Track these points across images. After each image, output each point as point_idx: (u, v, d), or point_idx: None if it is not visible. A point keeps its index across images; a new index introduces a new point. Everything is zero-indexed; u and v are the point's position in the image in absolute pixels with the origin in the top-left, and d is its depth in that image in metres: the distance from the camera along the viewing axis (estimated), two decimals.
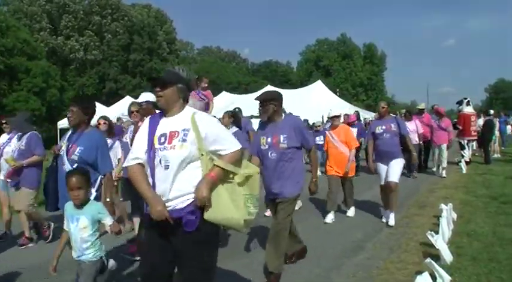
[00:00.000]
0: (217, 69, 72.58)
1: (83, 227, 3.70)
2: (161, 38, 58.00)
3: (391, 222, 7.12)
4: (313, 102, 25.86)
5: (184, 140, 2.96)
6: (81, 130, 4.38)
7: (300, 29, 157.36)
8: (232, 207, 2.97)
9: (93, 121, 4.99)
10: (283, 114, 5.12)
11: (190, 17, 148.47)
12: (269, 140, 4.89)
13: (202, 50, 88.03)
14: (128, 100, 28.78)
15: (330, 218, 7.53)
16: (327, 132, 8.42)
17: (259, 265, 5.16)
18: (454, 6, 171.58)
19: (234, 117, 8.15)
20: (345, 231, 6.82)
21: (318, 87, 31.48)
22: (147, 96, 5.74)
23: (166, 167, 2.95)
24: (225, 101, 29.93)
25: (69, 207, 3.81)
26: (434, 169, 13.32)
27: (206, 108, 7.90)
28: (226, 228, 3.25)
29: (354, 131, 12.82)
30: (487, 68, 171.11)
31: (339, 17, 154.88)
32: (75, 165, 4.15)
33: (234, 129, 7.59)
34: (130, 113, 6.00)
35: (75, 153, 4.23)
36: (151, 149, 3.02)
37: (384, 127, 7.29)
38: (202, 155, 2.97)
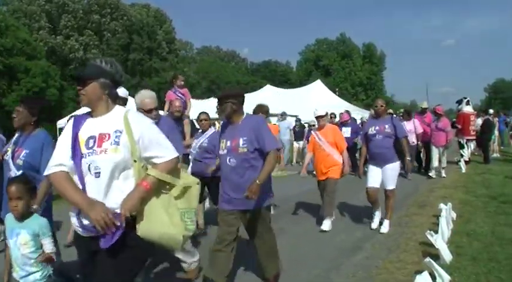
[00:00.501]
0: (217, 68, 72.64)
1: (23, 243, 3.28)
2: (160, 38, 58.00)
3: (384, 229, 6.70)
4: (312, 102, 25.80)
5: (116, 143, 2.59)
6: (27, 132, 4.13)
7: (299, 29, 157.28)
8: (168, 222, 2.63)
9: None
10: (245, 114, 4.42)
11: (189, 16, 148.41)
12: (228, 143, 4.29)
13: (202, 50, 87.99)
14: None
15: (326, 225, 6.94)
16: (312, 132, 7.68)
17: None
18: (453, 6, 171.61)
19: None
20: (344, 231, 6.82)
21: (318, 86, 31.48)
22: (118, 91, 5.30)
23: (97, 175, 2.57)
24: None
25: (9, 219, 3.40)
26: (431, 173, 12.49)
27: (184, 107, 7.48)
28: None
29: (348, 130, 12.67)
30: (486, 67, 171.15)
31: (338, 16, 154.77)
32: (21, 171, 3.83)
33: (212, 130, 6.74)
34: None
35: (20, 157, 3.97)
36: (77, 155, 2.62)
37: (377, 128, 6.75)
38: (135, 161, 2.63)
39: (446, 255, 4.97)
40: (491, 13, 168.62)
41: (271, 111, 18.30)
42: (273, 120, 17.63)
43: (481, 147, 16.42)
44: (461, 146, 14.49)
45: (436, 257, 4.87)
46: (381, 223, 6.96)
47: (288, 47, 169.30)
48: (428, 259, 4.30)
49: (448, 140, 12.36)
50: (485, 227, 6.55)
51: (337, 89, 53.48)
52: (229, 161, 4.26)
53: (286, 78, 77.10)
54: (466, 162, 13.90)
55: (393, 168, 6.71)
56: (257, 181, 4.05)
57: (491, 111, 19.29)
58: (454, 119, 16.46)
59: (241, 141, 4.20)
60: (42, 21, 48.25)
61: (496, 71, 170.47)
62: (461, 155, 14.24)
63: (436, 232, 5.37)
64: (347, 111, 15.20)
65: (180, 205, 2.75)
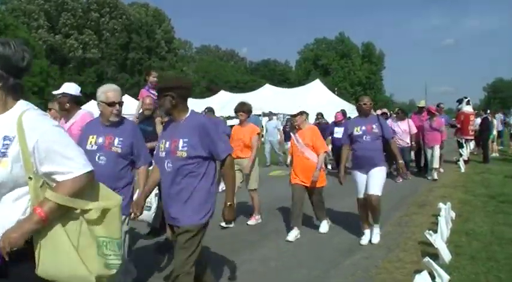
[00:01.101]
0: (216, 68, 72.69)
1: None
2: (159, 37, 57.99)
3: (375, 239, 6.08)
4: (311, 101, 25.86)
5: (3, 154, 1.97)
6: None
7: (298, 28, 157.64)
8: (76, 257, 2.02)
9: None
10: (189, 111, 3.67)
11: (188, 15, 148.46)
12: (167, 145, 3.58)
13: (201, 49, 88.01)
14: (126, 99, 28.74)
15: (292, 235, 6.31)
16: (291, 134, 7.07)
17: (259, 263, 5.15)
18: (452, 5, 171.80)
19: None
20: (343, 231, 6.81)
21: (317, 86, 31.53)
22: (66, 87, 5.06)
23: None
24: (223, 100, 29.98)
25: None
26: (434, 175, 11.85)
27: (156, 106, 6.93)
28: None
29: (341, 130, 11.67)
30: (485, 67, 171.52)
31: (337, 16, 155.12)
32: None
33: None
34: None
35: None
36: None
37: (364, 128, 6.02)
38: (30, 178, 2.01)
39: (446, 255, 4.97)
40: (490, 13, 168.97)
41: (270, 111, 18.17)
42: (264, 119, 17.63)
43: (480, 146, 16.43)
44: (461, 146, 14.49)
45: (435, 256, 4.87)
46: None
47: (287, 46, 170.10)
48: (427, 259, 4.30)
49: (441, 141, 11.84)
50: (485, 226, 6.55)
51: (336, 89, 53.53)
52: (167, 165, 3.55)
53: (285, 78, 77.15)
54: (465, 162, 13.90)
55: (380, 172, 5.94)
56: (228, 203, 3.55)
57: (487, 111, 19.32)
58: (454, 119, 16.50)
59: (180, 143, 3.50)
60: (41, 20, 48.24)
61: (495, 71, 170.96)
62: (461, 155, 14.23)
63: (435, 232, 5.37)
64: (342, 111, 14.49)
65: (99, 233, 2.15)
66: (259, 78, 72.22)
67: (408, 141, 11.81)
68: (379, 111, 12.84)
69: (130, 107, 27.43)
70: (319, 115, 15.24)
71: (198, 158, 3.48)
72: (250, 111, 7.48)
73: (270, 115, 17.75)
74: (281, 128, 16.66)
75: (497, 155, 17.36)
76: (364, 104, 6.20)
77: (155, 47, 56.82)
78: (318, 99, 27.05)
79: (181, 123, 3.59)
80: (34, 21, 47.82)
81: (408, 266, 4.98)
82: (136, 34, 54.41)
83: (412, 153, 12.82)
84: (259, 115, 22.37)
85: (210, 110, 11.07)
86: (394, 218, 7.49)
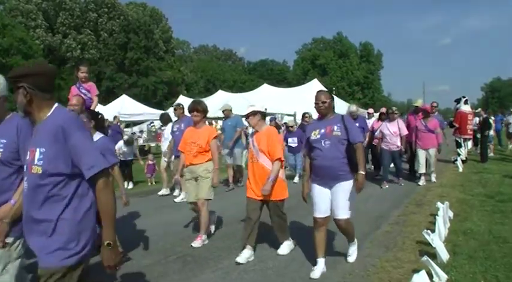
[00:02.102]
0: (214, 67, 72.75)
1: None
2: (157, 37, 57.97)
3: (352, 258, 5.32)
4: (309, 101, 25.81)
5: None
6: None
7: (296, 28, 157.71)
8: None
9: None
10: (53, 108, 2.72)
11: (186, 15, 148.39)
12: (28, 156, 2.65)
13: (199, 49, 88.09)
14: (124, 98, 28.74)
15: (243, 257, 5.38)
16: (249, 138, 6.12)
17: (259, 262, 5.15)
18: (450, 5, 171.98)
19: (95, 121, 5.40)
20: None
21: (315, 85, 31.38)
22: None
23: None
24: (221, 100, 29.92)
25: None
26: (420, 182, 10.98)
27: (87, 104, 6.39)
28: None
29: None
30: (483, 66, 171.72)
31: (335, 15, 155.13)
32: None
33: (98, 136, 5.28)
34: None
35: None
36: None
37: (322, 131, 4.90)
38: None
39: (443, 254, 4.97)
40: (488, 12, 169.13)
41: (268, 111, 18.07)
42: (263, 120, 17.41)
43: (478, 145, 16.47)
44: (459, 145, 14.50)
45: (433, 255, 4.87)
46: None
47: (284, 46, 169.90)
48: (425, 257, 4.31)
49: (438, 144, 11.05)
50: (482, 225, 6.56)
51: (334, 88, 53.64)
52: (25, 184, 2.65)
53: (283, 78, 77.36)
54: (463, 161, 13.91)
55: (346, 188, 4.83)
56: (106, 242, 2.57)
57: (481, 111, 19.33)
58: (451, 118, 16.51)
59: (37, 155, 2.55)
60: (39, 19, 48.18)
61: (493, 70, 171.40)
62: (458, 154, 14.25)
63: (433, 231, 5.38)
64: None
65: None
66: (257, 78, 72.44)
67: (399, 144, 10.83)
68: (383, 110, 12.51)
69: (128, 107, 27.38)
70: (306, 115, 13.61)
71: (59, 175, 2.53)
72: (206, 111, 6.55)
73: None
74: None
75: (493, 154, 17.37)
76: (323, 102, 4.97)
77: (153, 47, 56.79)
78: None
79: (41, 126, 2.65)
80: (32, 21, 47.76)
81: (406, 265, 4.98)
82: (135, 34, 54.38)
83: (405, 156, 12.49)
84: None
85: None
86: (392, 217, 7.50)
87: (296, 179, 11.77)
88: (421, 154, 11.00)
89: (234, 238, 6.43)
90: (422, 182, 10.93)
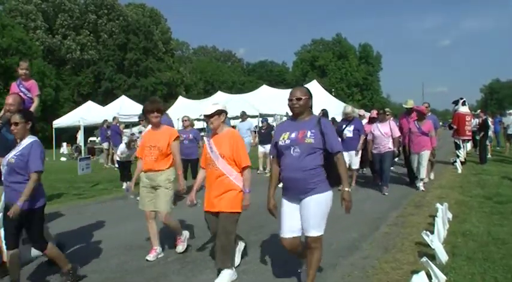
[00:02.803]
0: (213, 68, 72.78)
1: None
2: (157, 38, 58.03)
3: None
4: None
5: None
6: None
7: (295, 29, 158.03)
8: None
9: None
10: None
11: (185, 16, 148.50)
12: None
13: (198, 50, 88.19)
14: (123, 99, 28.76)
15: (224, 278, 4.67)
16: (205, 140, 5.16)
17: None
18: (449, 7, 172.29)
19: (31, 122, 4.57)
20: (340, 231, 6.81)
21: (314, 87, 31.47)
22: None
23: None
24: (220, 101, 29.95)
25: None
26: (420, 185, 10.36)
27: (27, 105, 5.98)
28: None
29: None
30: (482, 68, 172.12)
31: (334, 17, 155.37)
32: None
33: (30, 139, 4.53)
34: None
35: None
36: None
37: (293, 136, 4.09)
38: None
39: (442, 256, 4.98)
40: (487, 14, 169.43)
41: (266, 112, 17.86)
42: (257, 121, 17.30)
43: (477, 147, 16.49)
44: (457, 146, 14.51)
45: (432, 257, 4.89)
46: None
47: (284, 47, 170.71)
48: (424, 259, 4.31)
49: (432, 147, 10.52)
50: (481, 227, 6.56)
51: (333, 90, 53.67)
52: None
53: (282, 79, 77.46)
54: (462, 163, 13.92)
55: (319, 201, 4.04)
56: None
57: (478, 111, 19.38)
58: (450, 120, 16.53)
59: None
60: (39, 20, 48.21)
61: (492, 72, 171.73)
62: (457, 156, 14.26)
63: (432, 232, 5.38)
64: (323, 111, 12.86)
65: None
66: (256, 79, 72.52)
67: (390, 146, 10.18)
68: (373, 114, 11.85)
69: (127, 108, 27.43)
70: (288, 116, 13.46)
71: None
72: (163, 110, 6.04)
73: (243, 115, 15.60)
74: (253, 129, 15.36)
75: (490, 156, 17.38)
76: (297, 99, 4.15)
77: (152, 47, 56.84)
78: (315, 100, 26.93)
79: None
80: (31, 21, 47.78)
81: (405, 267, 4.99)
82: (134, 35, 54.43)
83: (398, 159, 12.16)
84: (256, 116, 22.32)
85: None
86: (391, 218, 7.50)
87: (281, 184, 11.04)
88: (415, 158, 10.43)
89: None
90: (421, 187, 10.26)
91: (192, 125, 11.44)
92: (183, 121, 10.91)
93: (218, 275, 4.72)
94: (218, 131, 4.94)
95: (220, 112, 4.89)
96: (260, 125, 16.68)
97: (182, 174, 5.75)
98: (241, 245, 5.36)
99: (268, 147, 13.20)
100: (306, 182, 4.00)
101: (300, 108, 4.13)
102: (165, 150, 5.58)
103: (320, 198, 4.02)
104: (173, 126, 10.64)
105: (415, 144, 10.40)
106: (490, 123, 18.07)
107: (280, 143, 4.13)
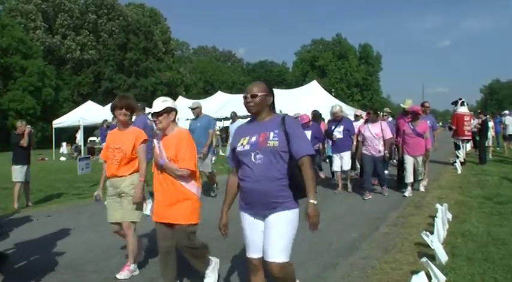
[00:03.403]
0: (213, 68, 72.79)
1: None
2: (157, 38, 58.06)
3: None
4: (308, 103, 25.88)
5: None
6: None
7: (295, 29, 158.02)
8: None
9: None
10: None
11: (185, 16, 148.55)
12: None
13: (198, 50, 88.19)
14: None
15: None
16: (155, 142, 4.46)
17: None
18: (449, 7, 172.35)
19: None
20: (340, 231, 6.81)
21: (313, 87, 31.46)
22: None
23: None
24: (220, 101, 29.96)
25: None
26: (406, 193, 9.62)
27: None
28: None
29: (308, 134, 9.68)
30: (482, 68, 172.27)
31: (335, 17, 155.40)
32: None
33: None
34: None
35: None
36: None
37: (253, 140, 3.40)
38: None
39: (442, 256, 4.98)
40: (487, 14, 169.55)
41: (234, 111, 17.46)
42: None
43: (477, 148, 16.51)
44: (457, 147, 14.51)
45: (432, 257, 4.88)
46: None
47: (284, 48, 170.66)
48: (424, 259, 4.31)
49: (427, 149, 9.86)
50: (481, 227, 6.56)
51: (333, 90, 53.66)
52: None
53: (282, 79, 77.44)
54: (462, 163, 13.92)
55: (288, 220, 3.34)
56: None
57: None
58: (449, 121, 16.54)
59: None
60: (38, 20, 48.26)
61: (492, 72, 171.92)
62: (457, 156, 14.26)
63: (432, 233, 5.38)
64: (314, 112, 12.57)
65: None
66: (256, 79, 72.36)
67: (381, 148, 9.60)
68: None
69: None
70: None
71: None
72: (134, 108, 5.29)
73: (234, 116, 14.58)
74: None
75: (491, 156, 17.39)
76: (253, 96, 3.44)
77: (152, 47, 56.87)
78: (314, 100, 27.02)
79: None
80: (31, 21, 47.81)
81: (404, 267, 4.98)
82: (134, 35, 54.45)
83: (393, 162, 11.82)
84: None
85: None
86: (391, 218, 7.50)
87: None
88: (409, 161, 9.71)
89: (231, 240, 6.42)
90: (408, 193, 9.54)
91: None
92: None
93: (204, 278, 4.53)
94: (167, 132, 4.35)
95: (170, 110, 4.32)
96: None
97: (143, 183, 4.98)
98: (213, 264, 4.63)
99: None
100: (273, 195, 3.30)
101: (256, 107, 3.46)
102: (130, 154, 4.95)
103: (291, 215, 3.33)
104: (215, 125, 10.23)
105: (409, 147, 9.74)
106: (490, 124, 18.09)
107: (238, 149, 3.44)
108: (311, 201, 3.22)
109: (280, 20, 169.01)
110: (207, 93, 57.38)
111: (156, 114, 4.24)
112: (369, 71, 76.66)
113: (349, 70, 73.59)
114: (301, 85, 38.10)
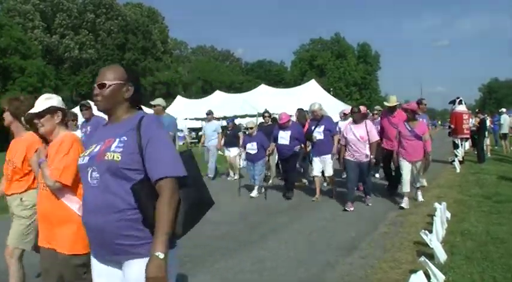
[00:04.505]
0: (211, 68, 72.71)
1: None
2: (155, 37, 58.06)
3: None
4: (307, 102, 25.85)
5: None
6: None
7: (293, 29, 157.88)
8: None
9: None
10: None
11: (183, 16, 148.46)
12: None
13: (196, 49, 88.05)
14: None
15: None
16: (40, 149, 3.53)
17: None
18: (447, 6, 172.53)
19: None
20: (339, 231, 6.82)
21: (312, 86, 31.46)
22: None
23: None
24: (218, 101, 29.94)
25: None
26: (403, 204, 8.32)
27: None
28: None
29: (286, 135, 9.29)
30: (480, 67, 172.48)
31: (333, 16, 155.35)
32: None
33: None
34: None
35: None
36: None
37: (96, 150, 2.33)
38: None
39: (441, 255, 4.98)
40: (485, 14, 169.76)
41: (210, 109, 17.16)
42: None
43: (475, 146, 16.51)
44: (456, 146, 14.49)
45: (431, 256, 4.88)
46: None
47: (282, 47, 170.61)
48: (423, 258, 4.31)
49: (425, 153, 8.31)
50: (479, 226, 6.56)
51: (331, 89, 53.66)
52: None
53: (280, 78, 77.35)
54: (460, 162, 13.91)
55: (135, 275, 2.18)
56: None
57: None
58: (448, 119, 16.54)
59: None
60: (37, 20, 48.25)
61: (490, 71, 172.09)
62: (456, 155, 14.25)
63: (431, 231, 5.38)
64: (299, 110, 12.01)
65: None
66: (255, 78, 72.36)
67: (367, 152, 8.38)
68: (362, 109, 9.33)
69: None
70: (266, 114, 12.41)
71: None
72: (30, 107, 3.45)
73: (209, 115, 13.65)
74: (219, 130, 13.08)
75: (490, 155, 17.39)
76: (101, 86, 2.35)
77: (151, 47, 56.87)
78: (313, 99, 26.90)
79: None
80: (29, 21, 47.79)
81: (403, 266, 4.99)
82: (133, 34, 54.46)
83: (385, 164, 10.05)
84: (255, 115, 22.20)
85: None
86: (390, 218, 7.51)
87: (254, 193, 9.84)
88: (406, 167, 8.34)
89: (230, 238, 6.44)
90: (405, 204, 8.23)
91: None
92: (81, 110, 8.46)
93: None
94: (53, 137, 3.31)
95: (55, 110, 3.29)
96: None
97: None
98: None
99: (233, 150, 12.30)
100: (114, 234, 2.19)
101: (104, 102, 2.37)
102: (21, 167, 3.92)
103: (143, 269, 2.08)
104: (176, 127, 9.85)
105: (408, 151, 8.30)
106: (488, 122, 18.10)
107: (79, 161, 2.42)
108: (156, 253, 2.06)
109: (279, 19, 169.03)
110: (205, 92, 57.32)
111: (37, 116, 3.24)
112: (368, 70, 76.60)
113: (347, 69, 73.52)
114: (300, 84, 38.11)
